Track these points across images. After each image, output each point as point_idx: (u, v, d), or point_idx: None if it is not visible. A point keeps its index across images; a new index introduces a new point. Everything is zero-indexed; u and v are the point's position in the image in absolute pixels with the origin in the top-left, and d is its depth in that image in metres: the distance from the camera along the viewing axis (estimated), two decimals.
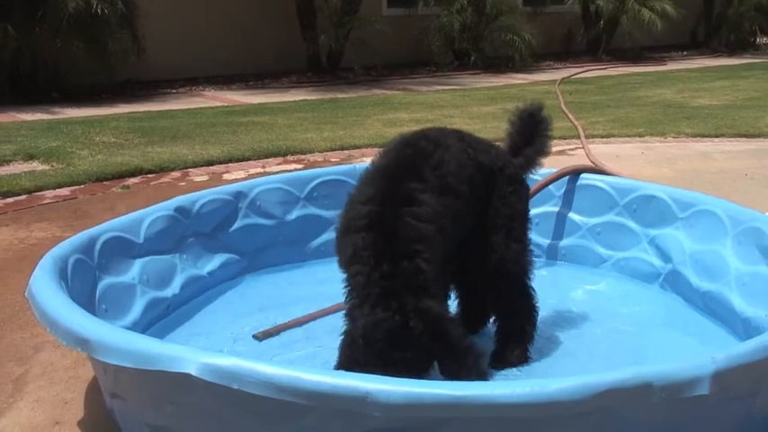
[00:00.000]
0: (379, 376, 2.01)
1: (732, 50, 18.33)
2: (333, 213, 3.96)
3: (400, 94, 11.66)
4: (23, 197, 5.69)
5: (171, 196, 3.92)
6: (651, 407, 2.05)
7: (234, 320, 3.41)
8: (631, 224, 3.90)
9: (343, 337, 2.51)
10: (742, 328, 3.15)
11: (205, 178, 6.27)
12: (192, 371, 2.07)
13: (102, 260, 3.20)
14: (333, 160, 6.84)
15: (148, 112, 9.79)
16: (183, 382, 2.09)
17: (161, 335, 3.18)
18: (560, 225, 4.09)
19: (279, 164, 6.82)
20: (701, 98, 10.72)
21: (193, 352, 2.14)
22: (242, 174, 6.37)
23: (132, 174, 6.33)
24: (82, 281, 3.00)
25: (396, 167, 2.72)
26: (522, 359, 2.96)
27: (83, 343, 2.32)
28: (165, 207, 3.66)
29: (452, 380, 2.39)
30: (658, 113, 9.41)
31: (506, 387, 1.99)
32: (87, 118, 9.14)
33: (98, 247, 3.21)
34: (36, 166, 6.64)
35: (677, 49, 18.32)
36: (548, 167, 3.68)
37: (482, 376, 2.54)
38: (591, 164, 4.61)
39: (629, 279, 3.86)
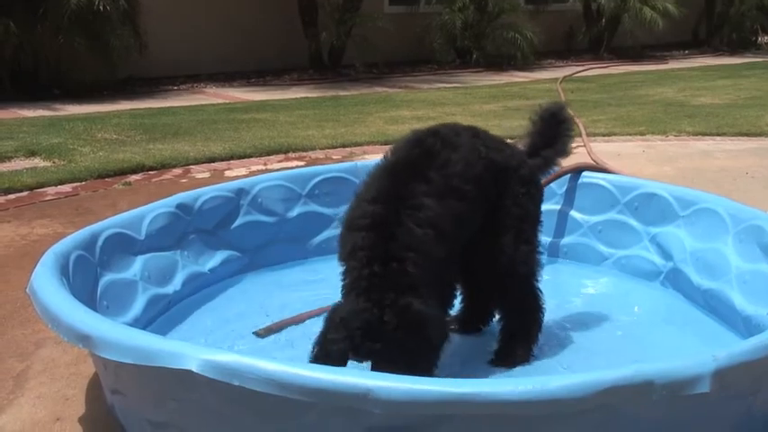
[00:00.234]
0: (381, 373, 2.01)
1: (734, 49, 18.32)
2: (334, 211, 3.97)
3: (402, 92, 11.66)
4: (25, 193, 5.69)
5: (172, 193, 3.93)
6: (652, 404, 2.06)
7: (235, 317, 3.41)
8: (633, 222, 3.90)
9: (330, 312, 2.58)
10: (743, 325, 3.16)
11: (206, 175, 6.27)
12: (194, 367, 2.07)
13: (104, 256, 3.20)
14: (334, 157, 6.84)
15: (150, 108, 9.79)
16: (185, 378, 2.10)
17: (162, 331, 3.18)
18: (562, 223, 4.09)
19: (280, 161, 6.82)
20: (702, 97, 10.72)
21: (194, 348, 2.14)
22: (243, 171, 6.37)
23: (134, 170, 6.33)
24: (83, 277, 3.00)
25: (403, 166, 2.74)
26: (525, 359, 2.96)
27: (84, 339, 2.32)
28: (166, 204, 3.66)
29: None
30: (660, 112, 9.41)
31: (508, 384, 1.99)
32: (89, 115, 9.15)
33: (100, 243, 3.21)
34: (38, 162, 6.64)
35: (679, 47, 18.30)
36: None
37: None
38: (592, 162, 4.61)
39: (630, 277, 3.86)
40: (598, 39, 16.77)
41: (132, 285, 3.29)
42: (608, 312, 3.44)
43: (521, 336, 2.99)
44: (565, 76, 12.94)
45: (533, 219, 3.03)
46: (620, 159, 6.31)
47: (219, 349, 2.18)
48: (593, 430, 2.08)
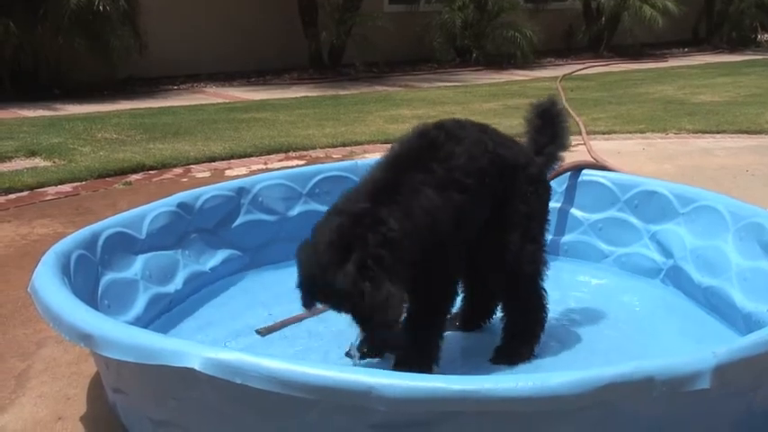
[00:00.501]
0: (383, 371, 2.02)
1: (733, 47, 18.33)
2: None
3: (402, 91, 11.67)
4: (25, 193, 5.69)
5: (173, 192, 3.93)
6: (652, 401, 2.06)
7: (236, 316, 3.41)
8: (633, 220, 3.91)
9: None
10: (743, 323, 3.16)
11: (207, 174, 6.27)
12: (196, 365, 2.07)
13: (105, 256, 3.21)
14: (335, 156, 6.85)
15: (150, 108, 9.79)
16: (186, 376, 2.10)
17: (163, 330, 3.18)
18: (562, 221, 4.10)
19: (281, 160, 6.82)
20: (702, 95, 10.72)
21: (196, 346, 2.14)
22: (244, 170, 6.38)
23: (134, 170, 6.33)
24: (84, 276, 3.00)
25: (404, 157, 2.74)
26: (527, 357, 2.96)
27: (86, 338, 2.32)
28: (167, 203, 3.67)
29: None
30: (659, 110, 9.41)
31: (509, 381, 2.00)
32: (89, 114, 9.15)
33: (101, 242, 3.21)
34: (38, 162, 6.64)
35: (678, 45, 18.31)
36: None
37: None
38: (592, 160, 4.62)
39: (630, 274, 3.86)
40: (598, 37, 16.77)
41: (133, 284, 3.30)
42: (608, 310, 3.45)
43: (523, 334, 2.99)
44: (565, 75, 12.94)
45: (540, 217, 3.02)
46: (620, 157, 6.32)
47: (221, 347, 2.18)
48: (594, 427, 2.09)
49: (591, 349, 3.08)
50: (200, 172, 6.38)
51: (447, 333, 3.09)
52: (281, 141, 7.42)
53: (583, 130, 6.72)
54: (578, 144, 6.86)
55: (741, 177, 6.00)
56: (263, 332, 3.23)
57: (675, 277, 3.66)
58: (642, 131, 7.97)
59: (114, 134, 7.89)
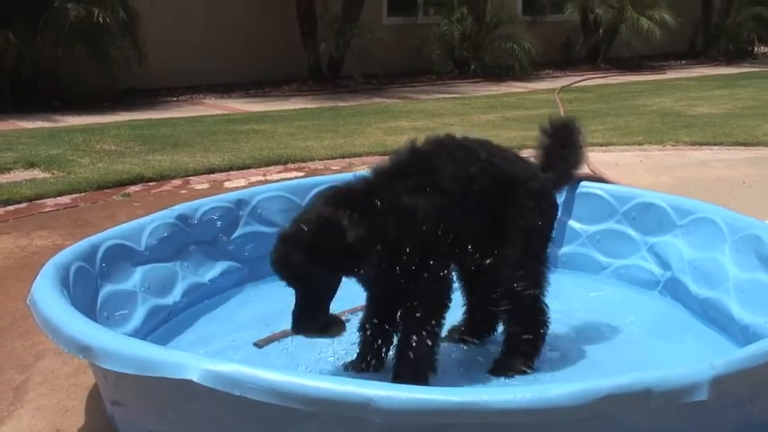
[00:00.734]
0: (382, 383, 2.02)
1: (730, 59, 18.36)
2: None
3: (401, 103, 11.69)
4: (24, 205, 5.70)
5: (172, 204, 3.94)
6: (650, 412, 2.07)
7: (235, 328, 3.42)
8: (630, 232, 3.92)
9: None
10: (740, 334, 3.17)
11: (206, 186, 6.28)
12: (194, 377, 2.08)
13: (104, 268, 3.21)
14: (333, 168, 6.86)
15: (149, 120, 9.81)
16: (185, 388, 2.11)
17: (162, 342, 3.17)
18: (560, 233, 4.10)
19: (279, 172, 6.84)
20: (699, 107, 10.75)
21: (195, 358, 2.15)
22: (243, 182, 6.39)
23: (133, 182, 6.34)
24: (83, 288, 3.01)
25: (389, 167, 2.83)
26: (526, 370, 2.96)
27: (85, 350, 2.33)
28: (166, 215, 3.68)
29: None
30: (657, 122, 9.44)
31: (507, 393, 2.01)
32: (88, 126, 9.16)
33: (100, 254, 3.22)
34: (37, 173, 6.65)
35: (676, 57, 18.35)
36: None
37: None
38: (590, 172, 4.63)
39: (628, 286, 3.87)
40: (595, 49, 16.81)
41: (132, 296, 3.30)
42: (606, 321, 3.45)
43: (523, 348, 2.99)
44: (563, 87, 12.97)
45: (543, 234, 3.02)
46: (617, 169, 6.33)
47: (220, 359, 2.19)
48: None
49: (589, 361, 3.08)
50: (199, 184, 6.39)
51: (448, 345, 3.11)
52: (280, 153, 7.43)
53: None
54: None
55: (738, 189, 6.02)
56: (261, 344, 3.23)
57: (673, 289, 3.67)
58: (640, 143, 7.99)
59: (113, 146, 7.90)
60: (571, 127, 3.17)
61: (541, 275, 2.98)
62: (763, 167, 6.82)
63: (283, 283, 2.65)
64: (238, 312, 3.62)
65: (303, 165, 7.11)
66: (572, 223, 4.11)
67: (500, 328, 3.12)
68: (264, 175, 6.71)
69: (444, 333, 3.05)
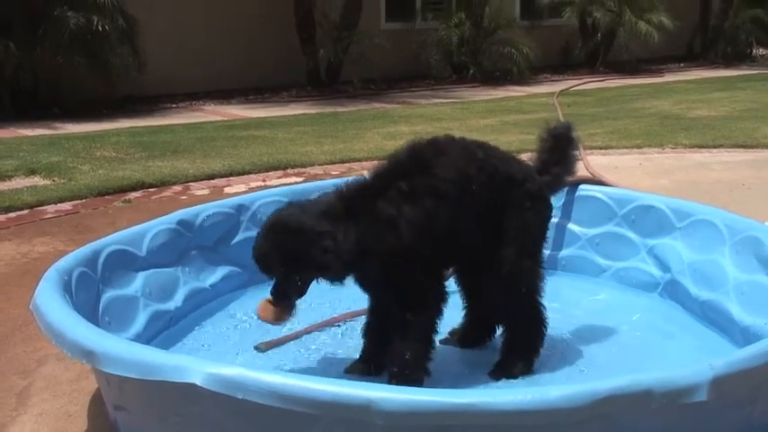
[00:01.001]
0: (382, 385, 2.03)
1: (729, 62, 18.40)
2: None
3: (399, 108, 11.72)
4: (25, 212, 5.71)
5: (172, 210, 3.94)
6: (650, 414, 2.07)
7: (236, 332, 3.43)
8: (630, 234, 3.93)
9: None
10: (741, 336, 3.17)
11: (206, 192, 6.29)
12: (198, 381, 2.09)
13: (106, 273, 3.22)
14: (333, 173, 6.87)
15: (149, 126, 9.83)
16: (188, 392, 2.11)
17: (164, 347, 3.18)
18: (560, 236, 4.12)
19: (279, 177, 6.85)
20: (698, 109, 10.77)
21: (198, 362, 2.16)
22: (243, 187, 6.40)
23: (133, 188, 6.36)
24: (86, 294, 3.02)
25: (386, 168, 2.88)
26: (526, 372, 2.97)
27: (88, 355, 2.34)
28: (167, 221, 3.69)
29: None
30: (656, 125, 9.46)
31: (508, 394, 2.02)
32: (88, 133, 9.19)
33: (101, 260, 3.23)
34: (38, 180, 6.67)
35: (674, 60, 18.40)
36: None
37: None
38: (589, 175, 4.64)
39: (628, 289, 3.87)
40: (594, 53, 16.85)
41: (134, 302, 3.31)
42: (607, 324, 3.46)
43: (522, 349, 3.00)
44: (561, 91, 13.00)
45: (539, 234, 3.04)
46: (617, 172, 6.35)
47: (223, 362, 2.20)
48: None
49: (589, 363, 3.09)
50: (200, 189, 6.40)
51: (447, 348, 3.12)
52: (280, 158, 7.45)
53: (580, 146, 6.74)
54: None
55: (737, 191, 6.03)
56: (263, 348, 3.24)
57: (673, 291, 3.68)
58: (639, 146, 8.01)
59: (113, 152, 7.92)
60: (569, 134, 3.19)
61: (537, 274, 3.00)
62: (762, 169, 6.84)
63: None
64: (239, 317, 3.63)
65: (303, 170, 7.12)
66: (571, 226, 4.12)
67: (499, 330, 3.13)
68: (264, 180, 6.72)
69: (444, 336, 3.07)
